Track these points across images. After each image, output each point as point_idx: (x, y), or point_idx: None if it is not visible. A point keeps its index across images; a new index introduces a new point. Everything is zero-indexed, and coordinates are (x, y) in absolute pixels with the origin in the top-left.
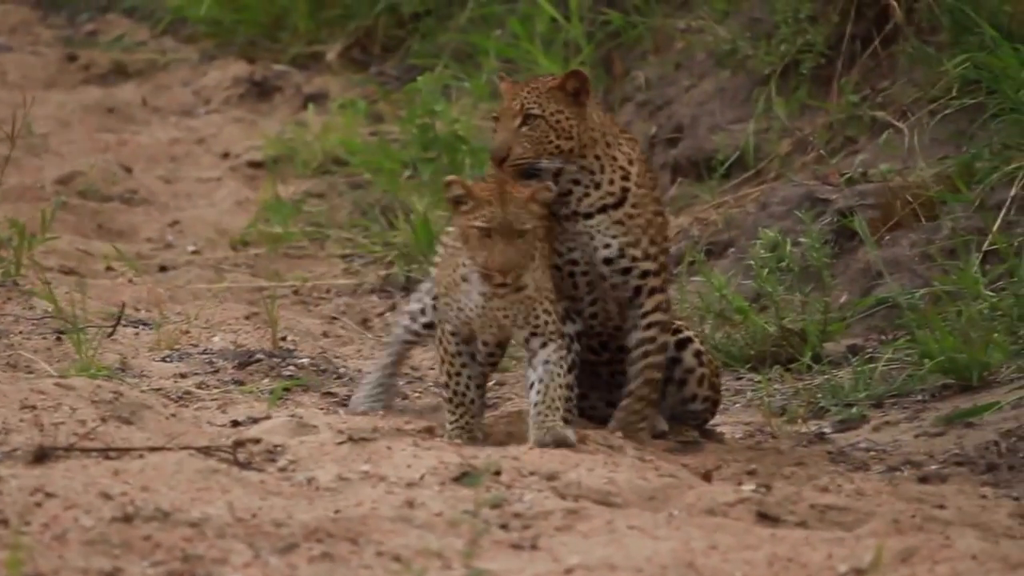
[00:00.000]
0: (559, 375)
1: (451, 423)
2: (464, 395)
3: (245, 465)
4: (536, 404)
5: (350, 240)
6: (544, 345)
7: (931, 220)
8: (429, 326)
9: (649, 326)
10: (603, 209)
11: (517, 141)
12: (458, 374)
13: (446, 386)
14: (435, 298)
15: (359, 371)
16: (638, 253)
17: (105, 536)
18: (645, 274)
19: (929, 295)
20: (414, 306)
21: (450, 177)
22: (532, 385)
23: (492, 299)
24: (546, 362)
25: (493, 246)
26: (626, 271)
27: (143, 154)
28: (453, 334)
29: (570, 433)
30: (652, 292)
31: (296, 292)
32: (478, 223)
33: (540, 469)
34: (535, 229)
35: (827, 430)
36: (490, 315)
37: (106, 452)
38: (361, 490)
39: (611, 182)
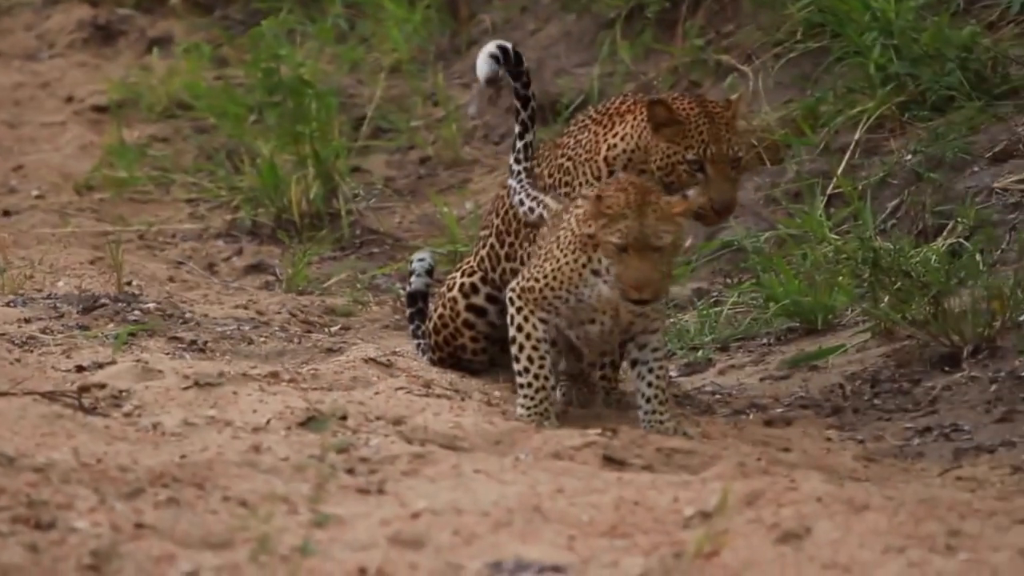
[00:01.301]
0: (664, 365)
1: (527, 406)
2: (546, 379)
3: (90, 410)
4: (649, 399)
5: (195, 184)
6: (654, 331)
7: (776, 164)
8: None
9: None
10: None
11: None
12: (542, 358)
13: (526, 370)
14: (542, 290)
15: (205, 316)
16: None
17: None
18: None
19: (774, 238)
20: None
21: (592, 191)
22: (637, 368)
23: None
24: (655, 349)
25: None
26: None
27: None
28: (543, 321)
29: (689, 430)
30: None
31: (141, 237)
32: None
33: (386, 414)
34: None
35: (673, 374)
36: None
37: None
38: (207, 435)
39: None
